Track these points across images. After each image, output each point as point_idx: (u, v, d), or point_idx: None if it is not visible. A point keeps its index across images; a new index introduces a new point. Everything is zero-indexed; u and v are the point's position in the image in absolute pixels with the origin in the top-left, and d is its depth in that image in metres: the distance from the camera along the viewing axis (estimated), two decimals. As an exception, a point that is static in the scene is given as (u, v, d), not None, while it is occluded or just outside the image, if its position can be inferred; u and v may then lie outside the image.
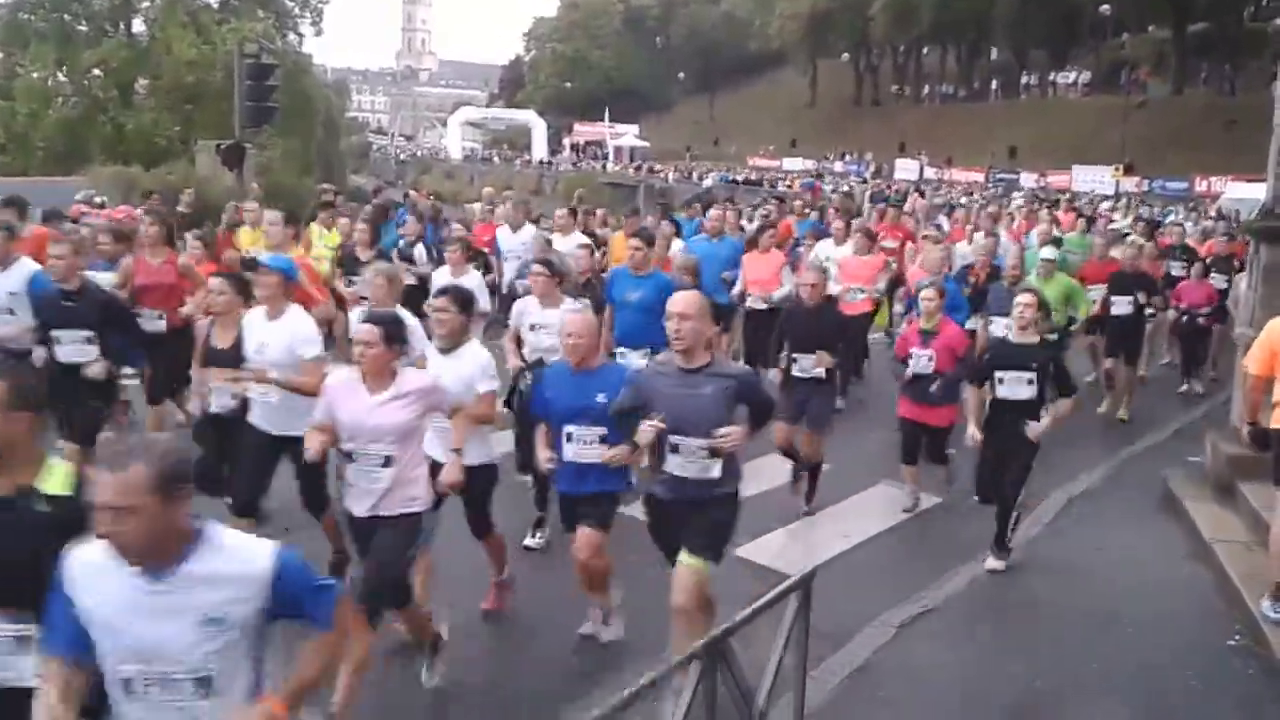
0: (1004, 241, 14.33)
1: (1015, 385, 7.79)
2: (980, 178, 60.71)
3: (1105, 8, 59.51)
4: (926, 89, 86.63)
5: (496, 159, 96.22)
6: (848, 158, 74.54)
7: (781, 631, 5.25)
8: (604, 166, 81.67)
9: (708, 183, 61.47)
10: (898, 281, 13.56)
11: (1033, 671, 6.48)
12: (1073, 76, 73.77)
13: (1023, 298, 8.09)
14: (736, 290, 12.15)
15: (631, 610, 6.63)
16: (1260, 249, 9.92)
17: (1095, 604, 7.46)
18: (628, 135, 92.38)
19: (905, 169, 67.43)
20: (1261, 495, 8.52)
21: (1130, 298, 12.51)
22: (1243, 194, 31.76)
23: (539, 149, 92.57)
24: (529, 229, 13.60)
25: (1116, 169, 53.39)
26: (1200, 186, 49.25)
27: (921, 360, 8.92)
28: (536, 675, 6.33)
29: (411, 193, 29.76)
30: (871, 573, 8.15)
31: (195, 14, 56.20)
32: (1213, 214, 31.24)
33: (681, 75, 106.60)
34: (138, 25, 58.48)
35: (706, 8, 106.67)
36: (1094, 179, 53.28)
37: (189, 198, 17.11)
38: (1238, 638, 6.93)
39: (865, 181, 60.80)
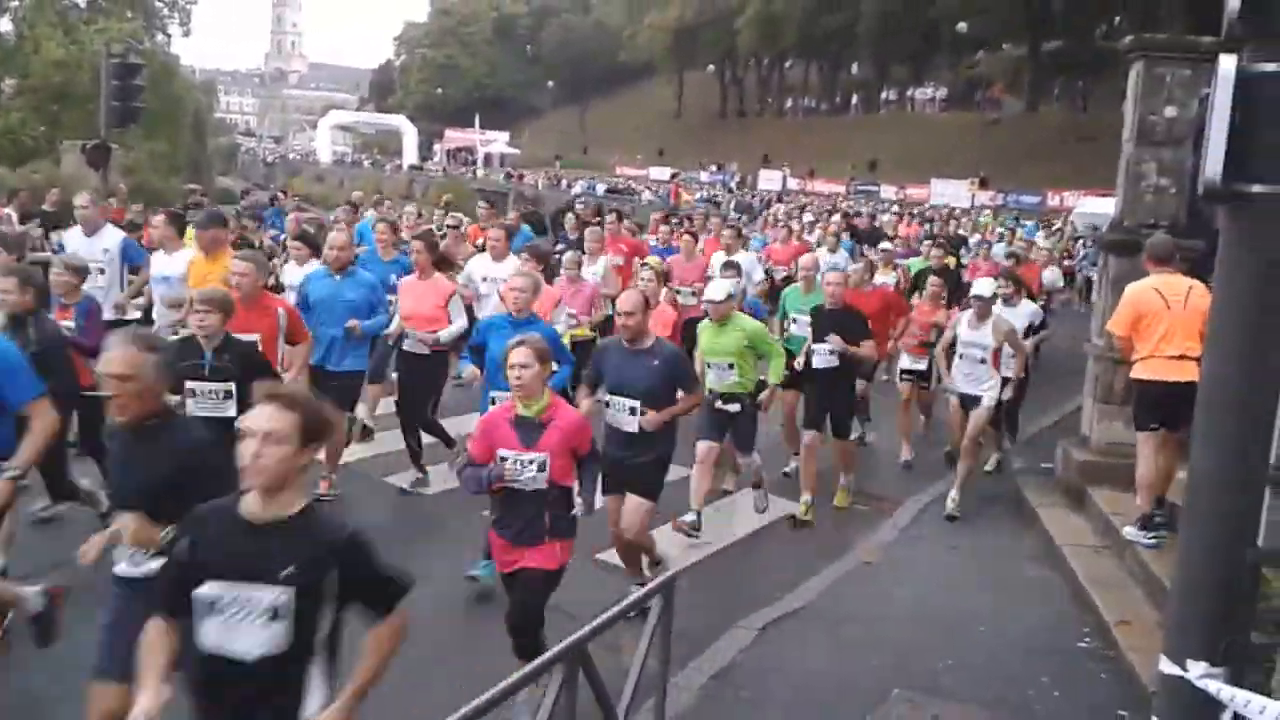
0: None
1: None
2: (842, 189, 61.83)
3: (962, 25, 61.11)
4: (790, 102, 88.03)
5: (367, 163, 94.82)
6: (713, 168, 75.24)
7: (644, 636, 5.21)
8: (474, 173, 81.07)
9: (575, 190, 61.48)
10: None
11: (891, 671, 6.54)
12: (931, 92, 75.66)
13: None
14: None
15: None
16: (1109, 261, 10.23)
17: (950, 606, 7.59)
18: (498, 142, 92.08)
19: (769, 180, 68.35)
20: (1110, 501, 8.79)
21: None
22: (1094, 208, 32.89)
23: (410, 154, 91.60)
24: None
25: (972, 183, 54.95)
26: (1053, 200, 50.90)
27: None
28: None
29: (280, 195, 29.22)
30: (733, 577, 8.19)
31: (64, 14, 54.91)
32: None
33: (552, 84, 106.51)
34: (4, 24, 56.88)
35: (577, 17, 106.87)
36: (951, 192, 54.72)
37: (55, 197, 16.86)
38: (1088, 640, 7.10)
39: (730, 191, 61.50)
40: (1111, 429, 9.51)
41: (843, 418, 9.78)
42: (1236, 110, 3.38)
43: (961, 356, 9.75)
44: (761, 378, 8.66)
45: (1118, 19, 63.12)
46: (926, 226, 30.27)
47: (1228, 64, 3.38)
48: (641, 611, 5.34)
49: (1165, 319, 7.90)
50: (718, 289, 8.42)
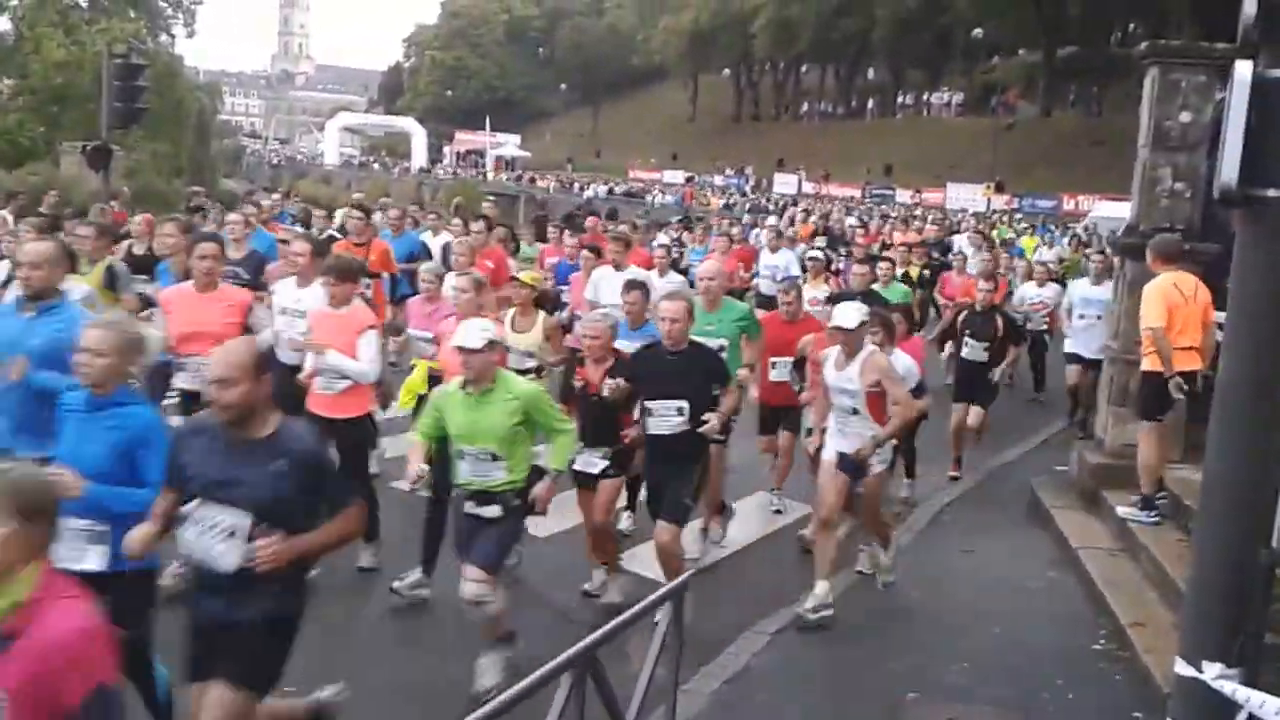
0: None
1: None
2: (857, 193, 61.78)
3: (978, 31, 61.08)
4: (805, 106, 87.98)
5: (376, 165, 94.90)
6: (728, 172, 75.27)
7: (655, 641, 5.20)
8: (484, 176, 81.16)
9: (588, 194, 61.56)
10: None
11: (906, 674, 6.54)
12: (946, 97, 75.58)
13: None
14: None
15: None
16: (1126, 264, 10.23)
17: (965, 608, 7.60)
18: (509, 145, 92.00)
19: (784, 184, 68.35)
20: (1125, 502, 8.78)
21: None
22: (1109, 212, 32.82)
23: (419, 157, 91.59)
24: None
25: (987, 187, 54.86)
26: (1068, 205, 50.79)
27: None
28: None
29: (283, 198, 29.19)
30: (746, 581, 8.20)
31: (65, 13, 54.77)
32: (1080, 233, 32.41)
33: (564, 87, 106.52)
34: (4, 24, 56.79)
35: (590, 20, 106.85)
36: (966, 196, 54.63)
37: (53, 199, 16.63)
38: (1103, 642, 7.09)
39: (745, 195, 61.49)
40: (1126, 431, 9.49)
41: (675, 500, 7.12)
42: (1252, 115, 3.41)
43: (832, 405, 7.49)
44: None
45: (1131, 25, 63.06)
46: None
47: (1244, 70, 3.41)
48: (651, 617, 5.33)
49: (1182, 313, 8.38)
50: (467, 334, 6.04)
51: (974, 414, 10.95)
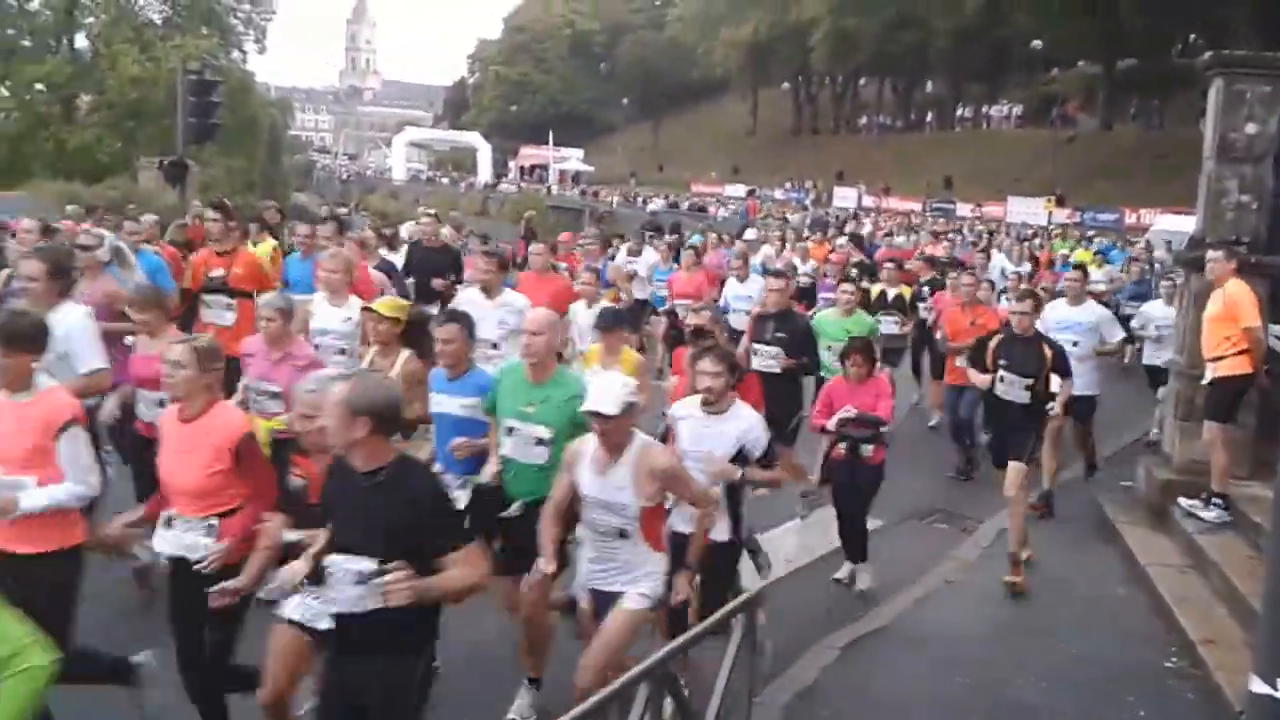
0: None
1: None
2: (917, 206, 61.40)
3: (1037, 43, 60.54)
4: (864, 119, 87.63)
5: (445, 180, 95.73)
6: (788, 185, 75.13)
7: (728, 655, 5.28)
8: (548, 190, 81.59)
9: (652, 207, 61.67)
10: None
11: (975, 691, 6.58)
12: (1006, 109, 74.91)
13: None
14: None
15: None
16: (1190, 278, 10.18)
17: (1034, 626, 7.61)
18: (572, 159, 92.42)
19: (844, 197, 68.11)
20: (1193, 519, 8.76)
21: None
22: (1171, 225, 32.35)
23: (484, 171, 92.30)
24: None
25: (1049, 200, 54.29)
26: (1130, 218, 50.16)
27: None
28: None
29: (350, 210, 29.68)
30: (816, 595, 8.25)
31: (140, 30, 55.80)
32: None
33: (625, 101, 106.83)
34: (81, 41, 58.16)
35: (651, 34, 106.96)
36: (1027, 210, 54.10)
37: (134, 212, 16.96)
38: (1174, 659, 7.08)
39: (806, 208, 61.34)
40: (1193, 446, 9.43)
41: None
42: None
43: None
44: None
45: (1192, 36, 62.16)
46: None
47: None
48: (725, 630, 5.41)
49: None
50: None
51: (1012, 474, 8.42)
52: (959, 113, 79.29)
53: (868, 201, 65.92)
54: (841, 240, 23.17)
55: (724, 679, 5.26)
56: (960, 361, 10.30)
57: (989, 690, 6.58)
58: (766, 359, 8.95)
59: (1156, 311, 13.23)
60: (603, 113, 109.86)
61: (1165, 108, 62.96)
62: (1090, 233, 40.98)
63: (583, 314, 9.67)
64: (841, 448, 8.07)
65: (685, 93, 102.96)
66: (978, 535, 9.51)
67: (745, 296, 12.79)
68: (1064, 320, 10.77)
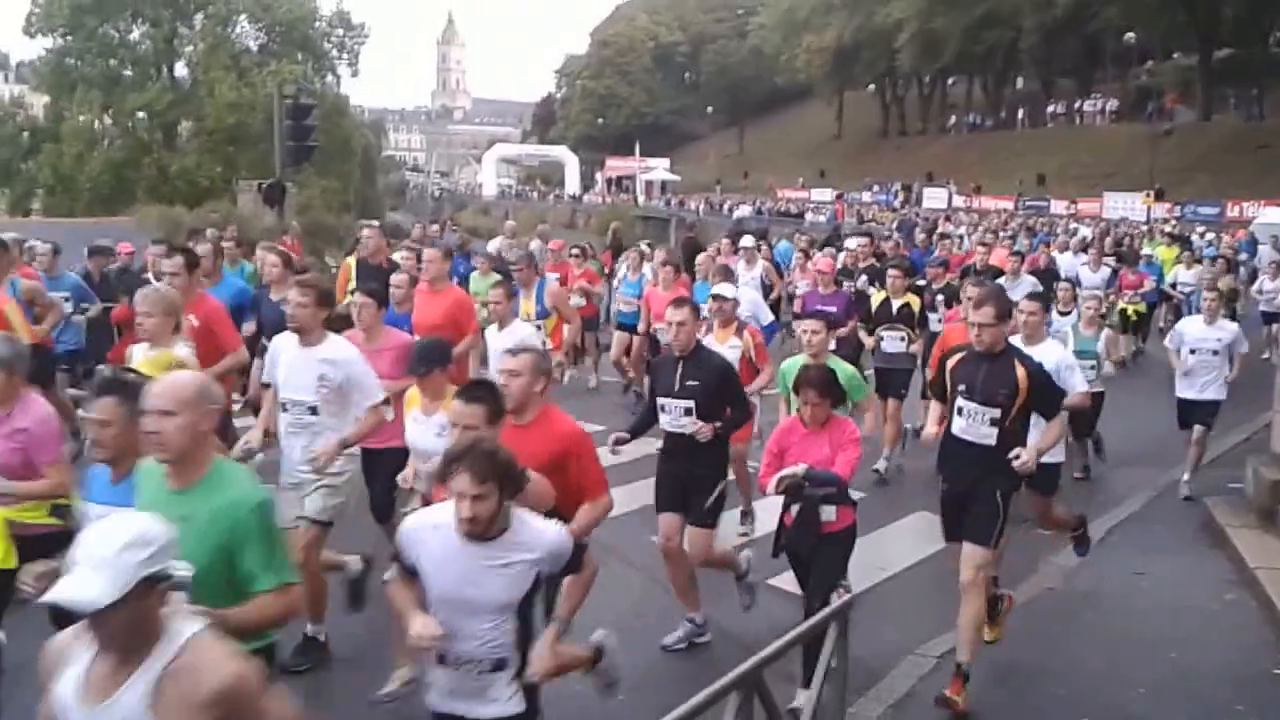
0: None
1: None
2: (1010, 205, 60.45)
3: (1130, 36, 59.38)
4: (952, 119, 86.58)
5: (534, 194, 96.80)
6: (875, 188, 74.51)
7: (820, 664, 5.21)
8: (636, 200, 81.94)
9: (738, 214, 61.58)
10: None
11: (1079, 700, 6.41)
12: (1099, 104, 73.47)
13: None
14: None
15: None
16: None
17: (1139, 631, 7.40)
18: (658, 169, 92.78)
19: (934, 197, 67.35)
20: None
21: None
22: (1274, 218, 31.41)
23: (572, 184, 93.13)
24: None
25: (1147, 195, 53.07)
26: (1232, 211, 48.88)
27: None
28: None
29: (440, 226, 30.05)
30: (909, 603, 8.11)
31: (237, 58, 57.35)
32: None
33: (710, 109, 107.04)
34: (180, 69, 60.00)
35: (734, 43, 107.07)
36: (1125, 206, 52.96)
37: (232, 233, 17.40)
38: (1285, 666, 6.83)
39: (895, 210, 60.75)
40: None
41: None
42: None
43: None
44: None
45: (1290, 24, 60.58)
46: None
47: None
48: (817, 639, 5.33)
49: None
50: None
51: (968, 559, 6.47)
52: (1050, 109, 77.94)
53: (958, 201, 65.06)
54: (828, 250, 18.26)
55: (816, 688, 5.18)
56: None
57: (1091, 700, 6.40)
58: (677, 418, 7.02)
59: (1193, 330, 11.02)
60: (688, 122, 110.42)
61: (1265, 97, 61.32)
62: (1200, 229, 39.61)
63: (494, 337, 8.75)
64: (793, 511, 6.41)
65: (769, 99, 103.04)
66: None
67: None
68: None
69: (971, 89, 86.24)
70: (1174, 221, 43.50)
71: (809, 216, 60.01)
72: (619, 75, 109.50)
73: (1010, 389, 6.31)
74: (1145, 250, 25.20)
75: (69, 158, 55.21)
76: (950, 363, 6.69)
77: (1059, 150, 67.85)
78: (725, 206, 71.48)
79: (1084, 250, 20.54)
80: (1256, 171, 49.40)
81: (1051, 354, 7.65)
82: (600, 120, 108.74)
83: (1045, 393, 6.51)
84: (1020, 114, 79.78)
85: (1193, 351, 10.77)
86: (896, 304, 11.33)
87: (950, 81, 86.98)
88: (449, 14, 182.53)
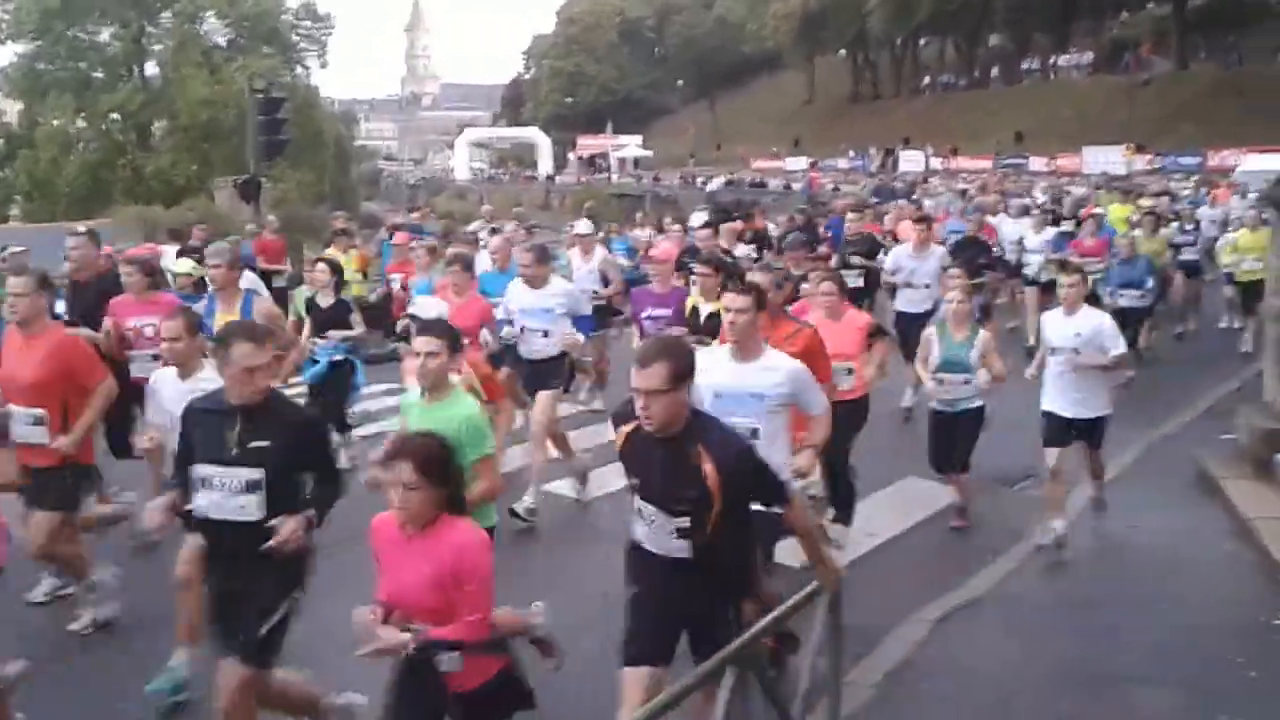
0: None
1: None
2: (988, 165, 60.42)
3: (1103, -13, 59.48)
4: (926, 80, 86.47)
5: (505, 177, 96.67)
6: (851, 154, 74.41)
7: (813, 634, 5.11)
8: (610, 178, 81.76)
9: (711, 187, 61.42)
10: None
11: (1076, 657, 6.33)
12: (1075, 58, 73.42)
13: None
14: None
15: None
16: (1278, 217, 9.75)
17: (1135, 587, 7.32)
18: (631, 146, 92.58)
19: (910, 160, 67.27)
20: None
21: None
22: (1257, 165, 31.25)
23: (545, 165, 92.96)
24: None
25: (1128, 148, 53.08)
26: (1214, 160, 48.92)
27: None
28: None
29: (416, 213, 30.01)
30: (902, 569, 8.01)
31: (206, 54, 57.51)
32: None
33: (680, 83, 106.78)
34: (151, 68, 60.20)
35: (699, 14, 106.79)
36: (1105, 160, 52.91)
37: (201, 233, 17.36)
38: (1284, 616, 6.76)
39: (871, 175, 60.68)
40: (1296, 393, 9.03)
41: None
42: None
43: None
44: None
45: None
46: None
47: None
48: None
49: None
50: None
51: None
52: (1025, 65, 77.88)
53: (935, 164, 65.01)
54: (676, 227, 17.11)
55: (810, 658, 5.10)
56: None
57: (1091, 659, 6.32)
58: None
59: (1052, 325, 8.56)
60: (658, 97, 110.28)
61: (1242, 44, 61.34)
62: (1179, 178, 39.42)
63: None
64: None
65: (739, 69, 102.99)
66: (1073, 497, 9.15)
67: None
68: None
69: (945, 49, 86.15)
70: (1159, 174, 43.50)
71: (778, 185, 59.85)
72: (586, 53, 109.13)
73: (695, 488, 4.39)
74: (1097, 209, 19.34)
75: (45, 163, 55.31)
76: (619, 439, 4.70)
77: (1035, 107, 67.90)
78: (699, 180, 71.33)
79: (1026, 214, 18.14)
80: (1238, 119, 49.43)
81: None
82: (570, 99, 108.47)
83: (755, 486, 4.60)
84: (994, 72, 79.84)
85: (1053, 351, 8.34)
86: (705, 311, 7.92)
87: (923, 42, 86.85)
88: (415, 0, 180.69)
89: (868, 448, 10.36)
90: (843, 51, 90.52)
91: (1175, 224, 17.86)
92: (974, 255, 13.51)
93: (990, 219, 17.16)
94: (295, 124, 31.86)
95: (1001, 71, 79.47)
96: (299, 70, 62.83)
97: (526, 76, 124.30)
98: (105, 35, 59.72)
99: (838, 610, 5.13)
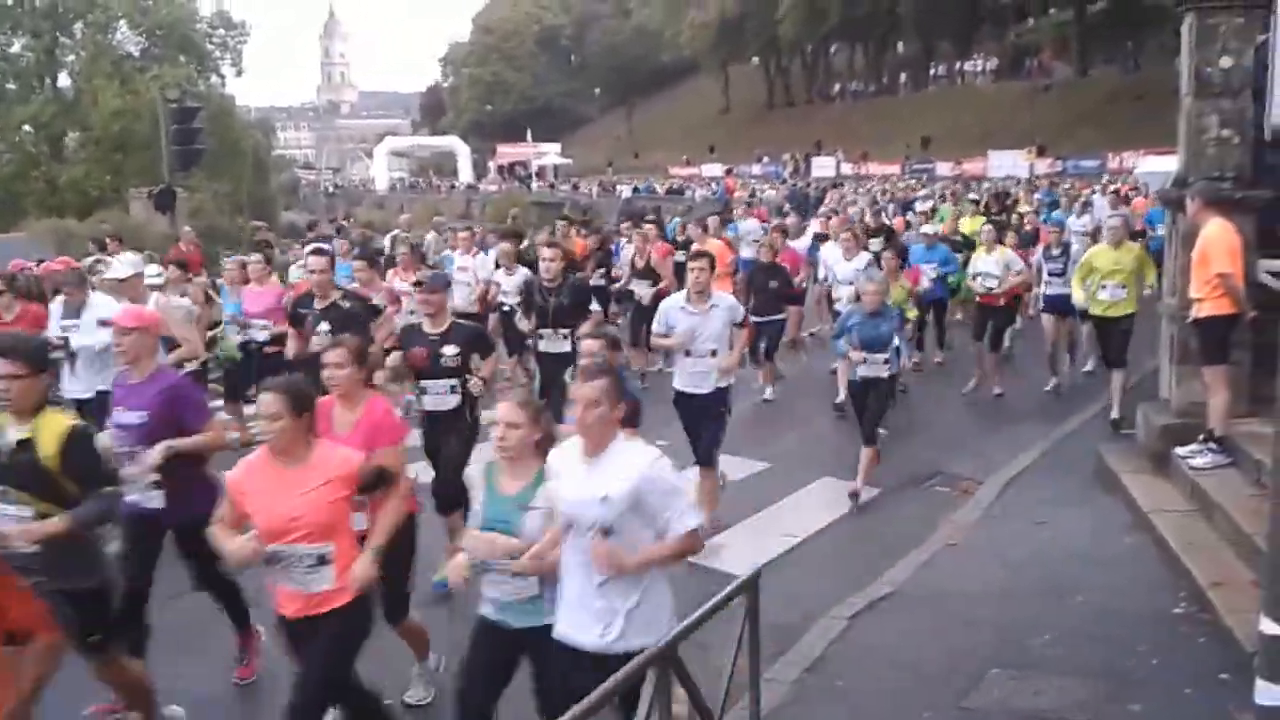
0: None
1: None
2: (896, 170, 61.32)
3: (1006, -7, 60.70)
4: (837, 87, 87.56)
5: (425, 185, 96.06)
6: (765, 160, 75.03)
7: (733, 634, 5.23)
8: (530, 187, 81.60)
9: (626, 194, 61.61)
10: None
11: (988, 650, 6.51)
12: (980, 65, 74.80)
13: None
14: None
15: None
16: (1176, 218, 10.07)
17: (1042, 581, 7.53)
18: (550, 154, 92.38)
19: (823, 167, 68.01)
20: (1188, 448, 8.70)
21: None
22: (1155, 167, 32.13)
23: (465, 173, 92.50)
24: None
25: (1029, 152, 54.24)
26: (1113, 163, 50.12)
27: None
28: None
29: (343, 224, 29.95)
30: (819, 567, 8.19)
31: (118, 64, 56.48)
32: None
33: (598, 91, 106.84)
34: (63, 79, 59.10)
35: (618, 21, 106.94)
36: (1009, 163, 54.05)
37: (115, 247, 17.09)
38: (1184, 605, 6.98)
39: (785, 182, 61.25)
40: (1191, 390, 9.35)
41: None
42: None
43: None
44: None
45: (1162, -27, 62.13)
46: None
47: (1287, 7, 3.32)
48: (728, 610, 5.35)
49: (1240, 255, 8.45)
50: None
51: None
52: (932, 72, 79.17)
53: (846, 169, 65.82)
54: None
55: (730, 658, 5.21)
56: None
57: (1000, 648, 6.51)
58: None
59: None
60: (577, 105, 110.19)
61: (1140, 49, 62.88)
62: (1064, 182, 40.30)
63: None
64: None
65: (656, 77, 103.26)
66: (978, 496, 9.45)
67: None
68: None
69: (854, 56, 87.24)
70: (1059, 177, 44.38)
71: (697, 192, 60.14)
72: (504, 61, 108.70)
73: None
74: (926, 226, 16.85)
75: (-44, 177, 54.16)
76: None
77: (942, 112, 69.02)
78: (618, 188, 71.49)
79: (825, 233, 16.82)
80: (1136, 122, 50.70)
81: None
82: (488, 107, 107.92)
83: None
84: (903, 78, 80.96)
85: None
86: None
87: (833, 50, 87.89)
88: (330, 7, 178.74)
89: (784, 451, 10.66)
90: (756, 59, 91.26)
91: (1042, 248, 14.13)
92: (767, 282, 12.95)
93: (794, 243, 15.71)
94: (211, 133, 31.41)
95: (910, 78, 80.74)
96: (214, 79, 61.87)
97: (445, 84, 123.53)
98: (17, 47, 58.52)
99: (756, 610, 5.26)
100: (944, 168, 58.94)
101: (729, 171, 70.43)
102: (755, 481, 9.90)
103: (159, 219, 26.48)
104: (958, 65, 77.31)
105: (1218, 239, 8.46)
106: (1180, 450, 8.69)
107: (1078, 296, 11.69)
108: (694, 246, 12.37)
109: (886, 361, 9.37)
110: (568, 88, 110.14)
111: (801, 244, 16.71)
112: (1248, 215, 8.98)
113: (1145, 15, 58.24)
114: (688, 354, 8.57)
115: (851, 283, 12.22)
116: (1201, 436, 8.58)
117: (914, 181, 48.17)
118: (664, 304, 8.92)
